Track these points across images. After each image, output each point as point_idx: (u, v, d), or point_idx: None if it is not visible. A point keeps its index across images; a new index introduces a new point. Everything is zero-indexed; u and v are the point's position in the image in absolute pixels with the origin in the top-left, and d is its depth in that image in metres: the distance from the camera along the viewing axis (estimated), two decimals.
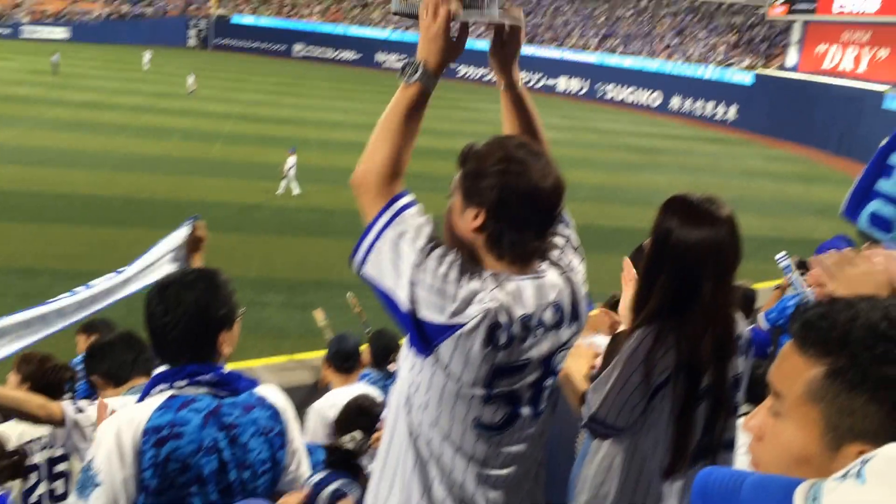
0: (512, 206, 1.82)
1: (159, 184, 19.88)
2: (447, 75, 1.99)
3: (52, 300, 3.04)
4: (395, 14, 2.06)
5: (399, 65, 1.92)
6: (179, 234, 3.25)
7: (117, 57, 52.46)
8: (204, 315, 2.22)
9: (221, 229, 16.27)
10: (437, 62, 1.91)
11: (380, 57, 63.32)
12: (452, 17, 1.89)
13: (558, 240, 2.04)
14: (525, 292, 1.83)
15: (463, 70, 55.21)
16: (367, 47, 64.40)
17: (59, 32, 60.84)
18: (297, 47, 66.86)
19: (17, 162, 20.58)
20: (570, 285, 1.96)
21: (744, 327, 2.38)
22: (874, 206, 2.54)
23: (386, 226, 1.81)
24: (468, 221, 1.86)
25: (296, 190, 19.83)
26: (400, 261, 1.78)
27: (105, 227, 16.00)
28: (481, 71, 54.57)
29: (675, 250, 2.20)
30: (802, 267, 4.80)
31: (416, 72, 1.88)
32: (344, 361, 4.77)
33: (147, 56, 47.94)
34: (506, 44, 2.13)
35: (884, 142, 2.64)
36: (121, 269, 3.16)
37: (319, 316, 6.89)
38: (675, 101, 49.95)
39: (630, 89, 52.85)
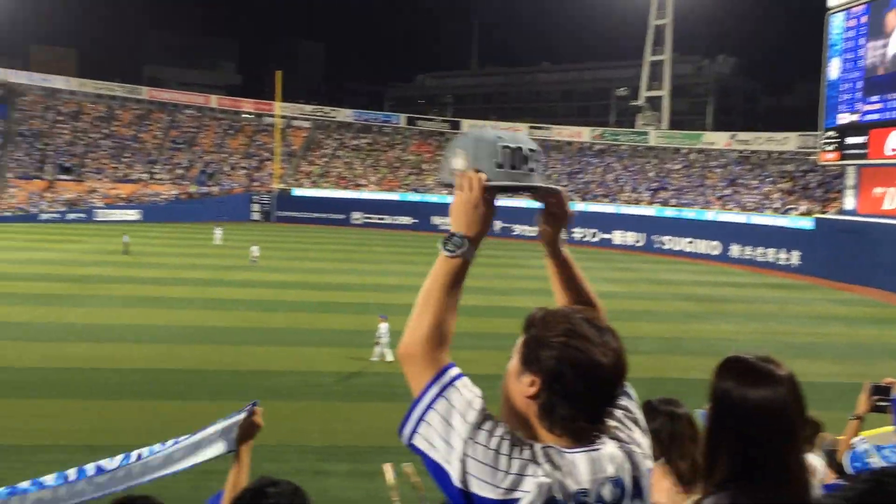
0: (568, 381, 1.78)
1: (223, 355, 20.10)
2: (503, 234, 2.04)
3: (88, 470, 2.98)
4: (444, 184, 2.09)
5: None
6: (235, 418, 3.19)
7: (184, 234, 55.04)
8: None
9: (284, 398, 16.22)
10: (477, 232, 1.93)
11: (435, 220, 65.07)
12: (485, 183, 1.94)
13: (618, 412, 1.98)
14: (579, 466, 1.76)
15: (518, 228, 56.19)
16: (423, 211, 66.42)
17: (131, 214, 64.53)
18: (356, 215, 69.34)
19: (87, 339, 21.14)
20: (631, 460, 1.87)
21: (819, 493, 2.28)
22: None
23: (436, 398, 1.79)
24: (523, 387, 1.83)
25: (389, 357, 19.53)
26: (451, 434, 1.75)
27: (170, 401, 16.02)
28: (536, 228, 55.29)
29: (736, 412, 2.15)
30: (883, 393, 4.36)
31: (458, 247, 1.91)
32: None
33: (218, 232, 50.12)
34: (555, 217, 2.19)
35: None
36: (167, 443, 3.10)
37: (389, 473, 6.53)
38: (735, 250, 49.66)
39: (688, 240, 52.90)
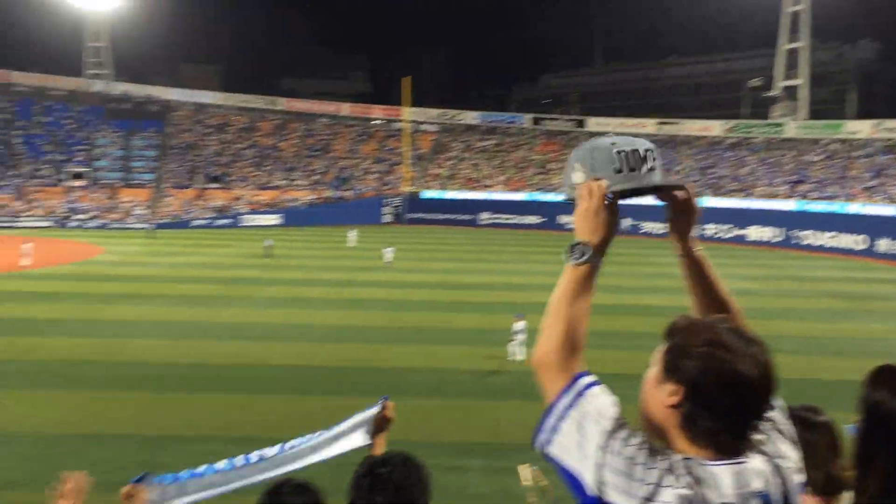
0: (711, 392, 1.72)
1: (361, 353, 20.86)
2: (631, 232, 2.09)
3: (252, 458, 3.31)
4: (566, 201, 2.10)
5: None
6: (369, 412, 3.45)
7: (321, 237, 57.28)
8: (400, 490, 2.48)
9: (419, 395, 16.64)
10: (600, 239, 1.95)
11: (562, 219, 64.72)
12: (607, 190, 1.96)
13: (764, 424, 1.87)
14: (721, 479, 1.68)
15: (646, 226, 55.13)
16: (550, 210, 66.23)
17: (273, 219, 67.91)
18: (483, 215, 69.97)
19: (235, 338, 22.47)
20: (780, 474, 1.77)
21: None
22: None
23: (570, 406, 1.78)
24: (664, 396, 1.78)
25: (512, 356, 19.77)
26: (585, 442, 1.73)
27: (313, 397, 16.75)
28: (664, 225, 54.23)
29: (889, 424, 2.01)
30: None
31: (582, 254, 1.92)
32: None
33: (352, 234, 52.02)
34: (683, 214, 2.17)
35: None
36: (313, 435, 3.42)
37: (526, 473, 6.16)
38: (883, 244, 46.80)
39: (830, 234, 50.34)
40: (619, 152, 1.96)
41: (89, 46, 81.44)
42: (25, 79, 78.63)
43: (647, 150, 1.99)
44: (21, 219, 63.76)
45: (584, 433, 1.74)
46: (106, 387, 17.32)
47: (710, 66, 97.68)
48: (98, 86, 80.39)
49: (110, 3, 78.58)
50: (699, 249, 2.18)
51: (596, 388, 1.81)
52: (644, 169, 1.98)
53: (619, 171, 1.95)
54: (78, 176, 71.55)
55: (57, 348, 20.64)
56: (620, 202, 2.00)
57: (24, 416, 15.19)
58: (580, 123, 79.18)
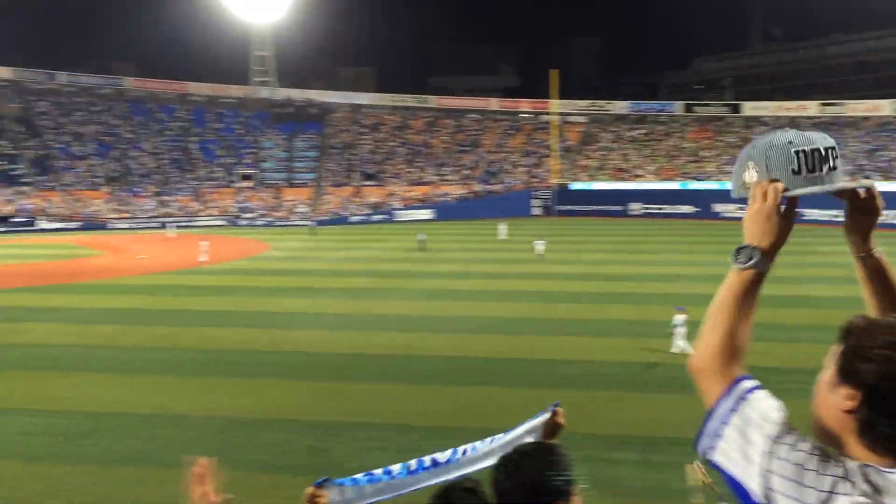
0: (892, 398, 1.61)
1: (514, 344, 21.06)
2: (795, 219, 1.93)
3: (425, 462, 3.44)
4: (736, 197, 2.00)
5: (738, 214, 2.02)
6: (540, 418, 3.48)
7: (472, 231, 58.20)
8: (538, 483, 2.47)
9: (572, 386, 16.68)
10: (770, 243, 1.84)
11: (717, 207, 62.39)
12: (783, 193, 1.84)
13: None
14: None
15: (810, 213, 52.20)
16: (704, 199, 64.00)
17: (425, 214, 69.68)
18: (634, 206, 68.59)
19: (393, 329, 23.28)
20: None
21: None
22: None
23: (731, 411, 1.72)
24: (839, 400, 1.68)
25: (675, 349, 19.35)
26: (750, 448, 1.66)
27: (467, 387, 17.05)
28: (829, 213, 51.13)
29: None
30: None
31: (749, 258, 1.82)
32: None
33: (503, 227, 52.63)
34: (865, 213, 2.01)
35: None
36: (486, 441, 3.47)
37: (695, 474, 6.10)
38: None
39: None
40: (797, 151, 1.84)
41: (255, 56, 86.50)
42: (199, 89, 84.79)
43: (828, 149, 1.86)
44: (198, 218, 68.81)
45: (747, 439, 1.68)
46: (273, 374, 18.39)
47: (876, 43, 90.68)
48: (263, 92, 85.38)
49: (273, 15, 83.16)
50: (879, 250, 2.06)
51: (758, 393, 1.74)
52: (825, 169, 1.85)
53: (798, 173, 1.84)
54: (246, 177, 76.33)
55: (230, 338, 22.18)
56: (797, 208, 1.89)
57: (200, 400, 16.35)
58: (735, 109, 76.02)
